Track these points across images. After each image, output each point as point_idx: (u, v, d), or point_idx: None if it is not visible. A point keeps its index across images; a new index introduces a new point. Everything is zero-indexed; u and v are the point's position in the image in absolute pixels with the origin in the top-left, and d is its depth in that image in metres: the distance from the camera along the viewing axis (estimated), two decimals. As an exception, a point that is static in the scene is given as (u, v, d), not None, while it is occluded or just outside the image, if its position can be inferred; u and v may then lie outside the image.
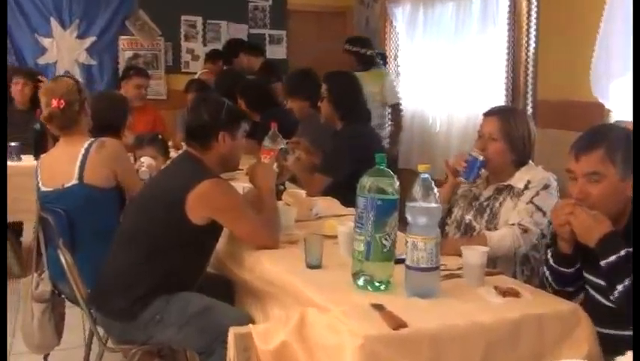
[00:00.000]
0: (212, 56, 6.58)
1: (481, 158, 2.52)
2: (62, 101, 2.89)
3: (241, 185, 3.19)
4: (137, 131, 4.09)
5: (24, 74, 5.02)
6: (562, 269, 2.05)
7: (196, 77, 6.29)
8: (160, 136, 3.90)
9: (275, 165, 2.87)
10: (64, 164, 2.85)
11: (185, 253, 2.36)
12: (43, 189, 2.92)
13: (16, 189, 4.19)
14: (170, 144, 4.15)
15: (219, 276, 2.59)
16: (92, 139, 2.90)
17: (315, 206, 2.95)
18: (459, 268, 2.10)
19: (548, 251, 2.11)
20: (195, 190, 2.30)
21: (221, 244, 2.54)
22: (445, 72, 5.82)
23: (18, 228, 4.89)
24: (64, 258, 2.51)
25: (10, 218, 4.39)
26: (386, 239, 1.91)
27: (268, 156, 3.05)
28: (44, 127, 4.45)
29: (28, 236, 4.69)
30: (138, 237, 2.40)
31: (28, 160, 4.43)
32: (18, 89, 5.01)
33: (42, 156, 3.08)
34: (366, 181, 1.93)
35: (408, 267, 1.89)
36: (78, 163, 2.82)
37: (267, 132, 3.17)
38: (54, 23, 6.58)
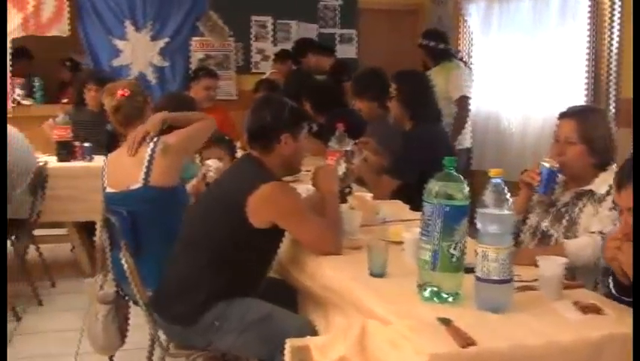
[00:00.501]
0: (280, 56, 6.57)
1: (555, 167, 2.36)
2: (127, 90, 3.01)
3: (305, 187, 3.14)
4: None
5: (97, 80, 5.08)
6: (625, 299, 1.88)
7: (264, 77, 6.30)
8: (227, 137, 3.89)
9: (342, 167, 2.79)
10: (130, 166, 2.88)
11: (246, 257, 2.33)
12: (108, 190, 2.95)
13: (89, 190, 4.30)
14: (238, 144, 4.13)
15: (282, 281, 2.55)
16: (156, 139, 2.90)
17: (382, 210, 2.87)
18: (534, 280, 1.97)
19: (610, 281, 1.94)
20: (256, 193, 2.27)
21: (283, 248, 2.49)
22: (521, 70, 5.61)
23: (91, 228, 4.98)
24: (126, 260, 2.50)
25: (83, 218, 4.54)
26: (454, 248, 1.80)
27: (334, 158, 2.98)
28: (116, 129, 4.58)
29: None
30: (199, 240, 2.38)
31: (100, 161, 4.48)
32: (91, 95, 5.06)
33: (108, 155, 3.12)
34: (434, 186, 1.84)
35: (478, 279, 1.78)
36: (144, 167, 2.84)
37: (333, 133, 3.10)
38: (128, 25, 6.70)
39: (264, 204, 2.27)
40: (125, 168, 2.91)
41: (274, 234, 2.35)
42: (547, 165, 2.37)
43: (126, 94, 2.99)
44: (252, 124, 2.46)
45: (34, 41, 6.51)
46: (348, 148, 3.04)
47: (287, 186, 2.38)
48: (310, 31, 7.16)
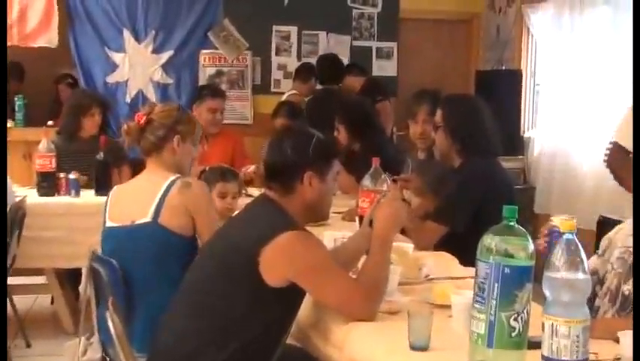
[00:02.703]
0: (302, 73, 6.61)
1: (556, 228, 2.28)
2: (145, 118, 3.02)
3: (333, 235, 3.10)
4: (211, 164, 4.09)
5: (100, 103, 5.15)
6: None
7: (284, 98, 6.32)
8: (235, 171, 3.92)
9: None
10: (139, 198, 2.92)
11: (259, 322, 2.29)
12: (109, 224, 2.97)
13: (74, 231, 4.35)
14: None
15: (300, 350, 2.52)
16: (175, 176, 2.95)
17: (426, 264, 2.83)
18: (616, 359, 1.90)
19: None
20: (272, 244, 2.23)
21: (304, 308, 2.45)
22: (596, 94, 5.54)
23: (75, 276, 4.99)
24: (113, 321, 2.47)
25: (66, 264, 4.55)
26: (515, 320, 1.75)
27: (367, 200, 2.94)
28: (110, 157, 4.60)
29: (86, 285, 4.81)
30: (201, 299, 2.35)
31: (88, 197, 4.56)
32: (95, 121, 5.09)
33: (115, 187, 3.18)
34: (490, 240, 1.79)
35: (545, 358, 1.71)
36: (156, 200, 2.87)
37: (368, 166, 3.07)
38: (127, 36, 6.82)
39: (279, 258, 2.23)
40: (133, 200, 2.95)
41: (293, 294, 2.31)
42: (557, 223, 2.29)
43: (141, 120, 3.00)
44: (270, 159, 2.45)
45: (17, 53, 6.63)
46: (385, 188, 3.00)
47: (309, 236, 2.34)
48: (342, 44, 7.22)
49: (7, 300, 4.46)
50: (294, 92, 6.51)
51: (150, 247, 2.83)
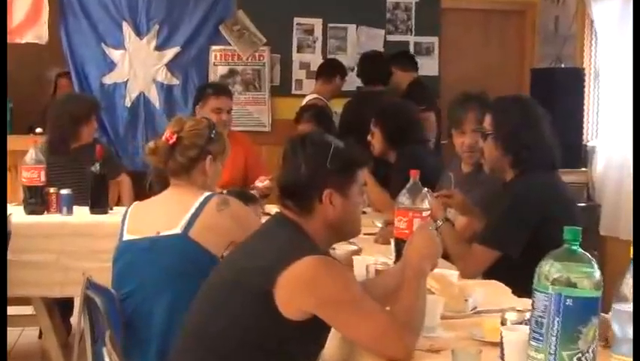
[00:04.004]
0: (324, 71, 6.63)
1: None
2: (175, 136, 3.07)
3: (365, 260, 3.10)
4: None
5: (98, 108, 5.30)
6: None
7: (307, 101, 6.34)
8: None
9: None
10: (168, 210, 3.01)
11: (276, 361, 2.29)
12: (127, 237, 3.03)
13: (66, 254, 4.37)
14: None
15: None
16: (209, 193, 3.04)
17: (473, 295, 2.82)
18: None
19: None
20: (289, 271, 2.23)
21: (329, 345, 2.47)
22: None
23: (67, 307, 5.02)
24: (110, 357, 2.51)
25: (57, 293, 4.56)
26: (579, 360, 1.74)
27: (405, 220, 2.95)
28: (105, 169, 4.63)
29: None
30: (210, 335, 2.35)
31: (81, 215, 4.58)
32: (93, 128, 5.23)
33: (134, 203, 3.23)
34: (549, 268, 1.80)
35: (614, 406, 1.70)
36: (189, 213, 2.96)
37: (404, 179, 3.07)
38: (127, 30, 6.88)
39: (297, 288, 2.23)
40: (158, 212, 3.04)
41: (316, 329, 2.31)
42: None
43: (171, 140, 3.05)
44: (282, 176, 2.46)
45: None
46: (426, 206, 3.00)
47: (332, 262, 2.34)
48: (374, 38, 7.25)
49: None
50: (315, 96, 6.51)
51: (174, 262, 2.91)
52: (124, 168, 5.47)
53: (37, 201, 4.65)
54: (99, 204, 4.56)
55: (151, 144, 3.13)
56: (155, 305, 2.89)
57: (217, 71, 7.08)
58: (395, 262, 2.96)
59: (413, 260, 2.41)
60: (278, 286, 2.23)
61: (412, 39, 7.33)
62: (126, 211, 3.15)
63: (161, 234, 2.95)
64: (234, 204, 3.06)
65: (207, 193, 3.03)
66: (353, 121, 5.82)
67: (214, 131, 3.17)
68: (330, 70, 6.71)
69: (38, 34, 6.48)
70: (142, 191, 3.43)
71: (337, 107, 6.63)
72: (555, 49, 7.10)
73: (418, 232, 2.52)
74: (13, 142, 6.05)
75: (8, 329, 4.91)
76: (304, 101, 6.43)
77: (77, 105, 5.31)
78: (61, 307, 4.95)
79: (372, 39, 7.23)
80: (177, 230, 2.93)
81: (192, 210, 2.96)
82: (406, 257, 2.44)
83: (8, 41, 6.39)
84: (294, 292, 2.24)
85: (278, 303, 2.23)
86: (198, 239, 2.93)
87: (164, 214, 3.01)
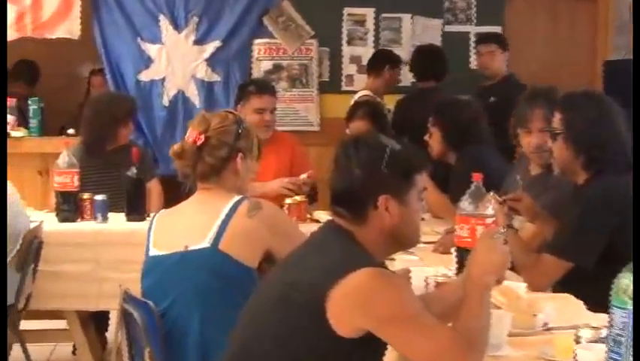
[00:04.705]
0: (372, 65, 6.61)
1: None
2: (202, 136, 3.07)
3: (424, 272, 3.10)
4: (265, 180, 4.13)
5: (136, 108, 5.36)
6: None
7: (358, 97, 6.33)
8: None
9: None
10: (195, 222, 3.02)
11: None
12: (153, 253, 3.04)
13: (102, 265, 4.40)
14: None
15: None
16: (239, 196, 3.04)
17: (543, 310, 2.80)
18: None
19: None
20: (342, 285, 2.23)
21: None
22: None
23: (102, 321, 5.07)
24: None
25: (92, 306, 4.60)
26: (664, 384, 1.72)
27: (467, 227, 2.94)
28: (143, 173, 4.67)
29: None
30: (253, 355, 2.36)
31: (117, 222, 4.62)
32: (130, 129, 5.30)
33: (160, 212, 3.26)
34: (628, 281, 1.78)
35: None
36: (217, 223, 2.96)
37: (465, 183, 3.06)
38: (164, 23, 6.91)
39: (351, 303, 2.23)
40: (185, 224, 3.04)
41: (371, 347, 2.31)
42: None
43: (199, 141, 3.06)
44: (334, 181, 2.46)
45: (31, 46, 6.80)
46: (489, 212, 2.98)
47: (388, 274, 2.33)
48: (431, 29, 7.23)
49: (21, 348, 4.57)
50: (365, 92, 6.50)
51: (205, 278, 2.91)
52: (156, 173, 5.48)
53: (70, 207, 4.68)
54: (136, 211, 4.57)
55: (176, 146, 3.13)
56: (188, 323, 2.91)
57: (261, 67, 7.09)
58: (457, 274, 2.95)
59: (477, 272, 2.38)
60: (330, 301, 2.23)
61: (472, 29, 7.28)
62: (152, 221, 3.16)
63: (190, 248, 2.94)
64: (267, 207, 3.04)
65: (237, 197, 3.02)
66: (408, 120, 5.81)
67: (242, 127, 3.17)
68: (377, 62, 6.70)
69: (70, 28, 6.54)
70: (179, 196, 3.39)
71: (391, 103, 6.61)
72: (630, 39, 7.00)
73: (482, 241, 2.49)
74: (44, 144, 6.16)
75: (40, 344, 5.02)
76: (354, 99, 6.43)
77: (116, 105, 5.35)
78: (96, 321, 4.99)
79: (429, 30, 7.19)
80: (206, 243, 2.93)
81: (221, 217, 2.96)
82: (469, 268, 2.43)
83: (39, 36, 6.50)
84: (348, 307, 2.23)
85: (330, 320, 2.23)
86: (229, 251, 2.93)
87: (191, 225, 3.01)
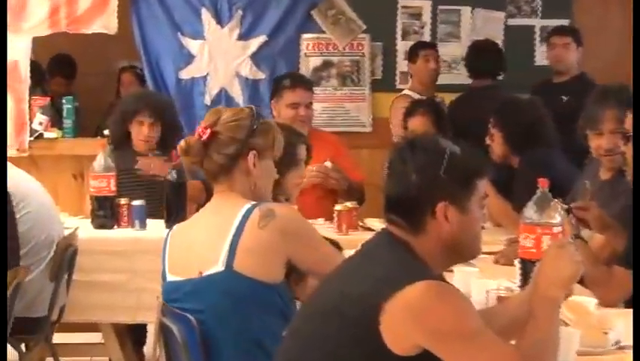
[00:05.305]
0: (409, 59, 6.61)
1: None
2: (209, 131, 3.01)
3: (485, 285, 3.09)
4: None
5: (152, 109, 5.21)
6: None
7: (402, 94, 6.34)
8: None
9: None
10: (207, 240, 2.96)
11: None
12: (170, 279, 3.03)
13: (140, 275, 4.42)
14: None
15: None
16: (251, 204, 2.97)
17: (615, 327, 2.78)
18: None
19: None
20: (397, 298, 2.23)
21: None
22: None
23: (140, 333, 5.10)
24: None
25: (129, 319, 4.63)
26: None
27: (532, 237, 2.93)
28: (182, 176, 4.68)
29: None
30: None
31: (156, 229, 4.62)
32: (144, 133, 5.17)
33: (174, 228, 3.22)
34: None
35: None
36: (228, 239, 2.90)
37: (529, 189, 3.05)
38: (206, 17, 6.94)
39: (407, 318, 2.22)
40: (197, 244, 2.99)
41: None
42: None
43: (204, 136, 3.00)
44: (389, 187, 2.45)
45: (65, 42, 6.86)
46: (556, 221, 2.96)
47: (447, 288, 2.33)
48: (493, 23, 7.18)
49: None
50: (406, 92, 6.48)
51: (223, 303, 2.88)
52: (198, 175, 5.48)
53: (106, 213, 4.73)
54: (176, 217, 4.55)
55: (182, 142, 3.08)
56: (212, 350, 2.88)
57: (309, 63, 7.08)
58: (521, 287, 2.93)
59: (544, 285, 2.37)
60: (384, 315, 2.23)
61: (538, 23, 7.21)
62: (166, 239, 3.13)
63: (204, 274, 2.90)
64: (281, 212, 2.96)
65: (247, 206, 2.94)
66: (463, 121, 5.77)
67: (258, 122, 3.08)
68: (409, 56, 6.69)
69: (107, 23, 6.55)
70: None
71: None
72: None
73: (551, 252, 2.47)
74: (79, 146, 6.21)
75: (74, 358, 5.05)
76: (404, 92, 6.46)
77: (125, 102, 5.46)
78: (133, 335, 5.03)
79: (490, 23, 7.14)
80: (219, 266, 2.88)
81: (232, 231, 2.89)
82: (536, 281, 2.41)
83: (74, 32, 6.53)
84: (403, 322, 2.23)
85: (384, 335, 2.23)
86: (245, 271, 2.87)
87: (204, 244, 2.95)
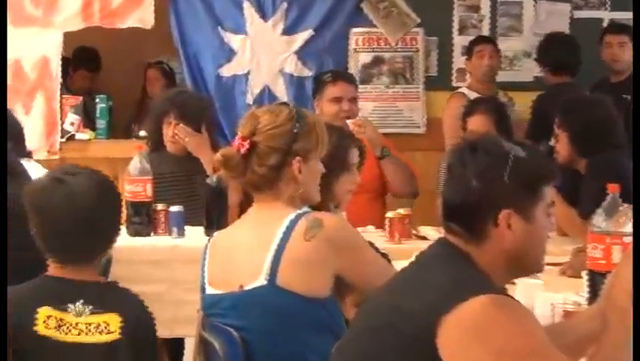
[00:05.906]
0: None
1: None
2: (248, 142, 2.98)
3: (550, 299, 3.07)
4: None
5: (179, 108, 5.15)
6: None
7: (460, 91, 6.36)
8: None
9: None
10: (249, 251, 2.96)
11: None
12: (209, 291, 3.04)
13: (178, 286, 4.42)
14: None
15: None
16: (295, 213, 2.95)
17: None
18: None
19: None
20: (456, 313, 2.22)
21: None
22: None
23: (177, 349, 5.12)
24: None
25: (167, 333, 4.64)
26: None
27: (601, 247, 2.93)
28: (225, 181, 4.69)
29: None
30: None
31: (195, 237, 4.63)
32: (169, 134, 5.13)
33: (214, 236, 3.23)
34: None
35: None
36: (271, 252, 2.90)
37: (597, 194, 3.06)
38: (249, 11, 6.96)
39: (466, 334, 2.21)
40: (239, 254, 2.99)
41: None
42: None
43: (242, 149, 2.96)
44: (448, 192, 2.45)
45: (98, 37, 6.92)
46: (628, 229, 2.94)
47: (511, 303, 2.31)
48: (557, 15, 7.14)
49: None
50: (464, 90, 6.47)
51: (265, 320, 2.89)
52: None
53: (142, 220, 4.73)
54: (217, 224, 4.56)
55: (219, 155, 3.04)
56: None
57: (358, 59, 7.09)
58: (589, 302, 2.91)
59: (619, 300, 2.34)
60: (441, 331, 2.22)
61: (606, 15, 7.16)
62: (206, 247, 3.13)
63: (245, 288, 2.89)
64: (329, 222, 2.92)
65: (293, 215, 2.91)
66: (545, 122, 5.75)
67: (300, 124, 3.01)
68: (467, 51, 6.70)
69: (142, 17, 6.58)
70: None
71: (519, 100, 6.61)
72: None
73: (625, 263, 2.45)
74: (113, 148, 6.24)
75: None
76: (460, 90, 6.47)
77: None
78: (170, 350, 5.04)
79: (555, 16, 7.11)
80: (262, 280, 2.87)
81: (276, 242, 2.87)
82: (608, 296, 2.39)
83: (108, 26, 6.59)
84: (462, 338, 2.22)
85: (441, 353, 2.22)
86: (289, 286, 2.86)
87: (245, 256, 2.94)
